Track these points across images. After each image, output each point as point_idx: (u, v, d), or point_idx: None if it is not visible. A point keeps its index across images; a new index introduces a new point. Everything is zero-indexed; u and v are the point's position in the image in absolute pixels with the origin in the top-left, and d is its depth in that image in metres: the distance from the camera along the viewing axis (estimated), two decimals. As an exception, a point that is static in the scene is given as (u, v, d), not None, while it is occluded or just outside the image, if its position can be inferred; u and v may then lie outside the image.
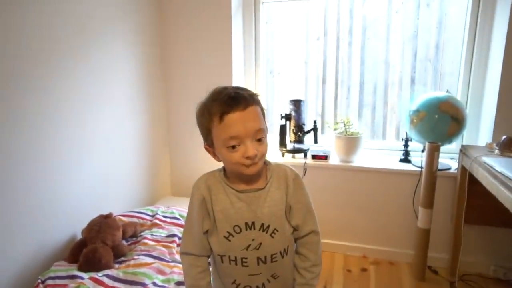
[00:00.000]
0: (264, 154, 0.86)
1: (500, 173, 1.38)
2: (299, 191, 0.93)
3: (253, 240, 0.90)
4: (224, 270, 0.95)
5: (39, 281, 1.35)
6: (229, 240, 0.90)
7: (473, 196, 1.86)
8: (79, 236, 1.64)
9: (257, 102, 0.86)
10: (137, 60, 2.11)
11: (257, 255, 0.90)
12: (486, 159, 1.56)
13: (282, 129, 2.30)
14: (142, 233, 1.74)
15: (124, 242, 1.66)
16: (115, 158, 1.95)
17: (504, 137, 1.71)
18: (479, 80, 2.08)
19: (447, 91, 2.04)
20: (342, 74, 2.41)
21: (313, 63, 2.44)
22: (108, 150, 1.89)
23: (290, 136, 2.32)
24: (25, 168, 1.41)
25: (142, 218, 1.84)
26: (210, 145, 0.90)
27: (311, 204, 0.96)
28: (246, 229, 0.89)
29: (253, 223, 0.89)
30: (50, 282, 1.33)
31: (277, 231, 0.90)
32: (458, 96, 2.15)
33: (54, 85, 1.53)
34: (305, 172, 2.20)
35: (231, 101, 0.82)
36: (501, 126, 1.89)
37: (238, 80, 2.37)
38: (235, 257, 0.91)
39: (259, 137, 0.84)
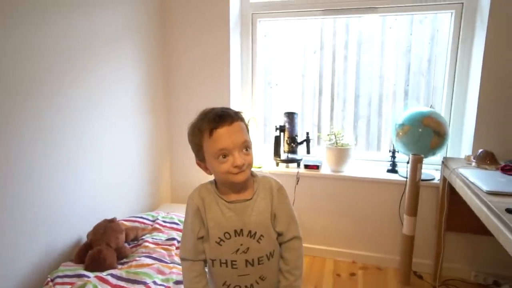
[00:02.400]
0: (250, 163, 0.97)
1: (472, 183, 1.52)
2: (283, 201, 1.04)
3: (241, 245, 1.00)
4: (216, 272, 1.04)
5: (49, 279, 1.47)
6: (220, 245, 1.00)
7: (454, 205, 1.99)
8: (85, 239, 1.76)
9: (242, 119, 0.99)
10: (140, 72, 2.25)
11: (245, 257, 1.00)
12: (462, 171, 1.69)
13: (277, 139, 2.44)
14: (143, 237, 1.86)
15: (126, 244, 1.78)
16: (119, 167, 2.08)
17: (480, 150, 1.85)
18: (461, 96, 2.21)
19: (431, 106, 2.18)
20: (338, 87, 2.53)
21: (310, 75, 2.57)
22: (113, 159, 2.02)
23: (284, 147, 2.46)
24: (34, 175, 1.53)
25: (144, 223, 1.97)
26: (201, 160, 1.02)
27: (293, 212, 1.07)
28: (235, 236, 0.99)
29: (241, 230, 0.99)
30: (58, 280, 1.45)
31: (263, 236, 1.00)
32: (442, 110, 2.29)
33: (63, 96, 1.66)
34: (297, 181, 2.32)
35: (219, 118, 0.94)
36: (480, 140, 2.03)
37: (236, 92, 2.51)
38: (226, 260, 1.01)
39: (245, 148, 0.95)
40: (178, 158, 2.63)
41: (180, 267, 1.58)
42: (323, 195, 2.35)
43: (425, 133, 2.00)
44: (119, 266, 1.60)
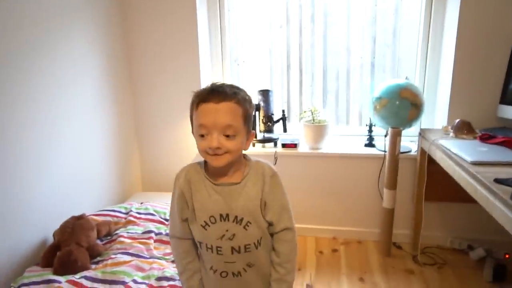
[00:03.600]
0: (231, 150, 0.88)
1: (455, 154, 1.51)
2: (275, 189, 0.96)
3: (227, 231, 0.94)
4: (204, 256, 1.01)
5: (13, 288, 1.32)
6: (206, 229, 0.95)
7: (432, 176, 2.01)
8: (51, 240, 1.60)
9: (239, 102, 0.88)
10: (101, 56, 2.04)
11: (231, 244, 0.95)
12: (443, 142, 1.69)
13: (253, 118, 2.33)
14: (117, 231, 1.72)
15: (99, 241, 1.64)
16: (83, 157, 1.90)
17: (457, 120, 1.86)
18: (434, 67, 2.21)
19: (406, 78, 2.16)
20: (305, 61, 2.46)
21: (277, 51, 2.48)
22: (76, 149, 1.84)
23: (259, 126, 2.37)
24: (-12, 173, 1.35)
25: (116, 216, 1.82)
26: (192, 132, 0.94)
27: (287, 202, 0.99)
28: (221, 220, 0.94)
29: (227, 215, 0.93)
30: (24, 288, 1.31)
31: (250, 223, 0.94)
32: (416, 82, 2.28)
33: (15, 85, 1.45)
34: (275, 161, 2.26)
35: (210, 93, 0.87)
36: (455, 110, 2.04)
37: (205, 70, 2.36)
38: (211, 246, 0.96)
39: (228, 133, 0.87)
40: (147, 144, 2.46)
41: (161, 261, 1.50)
42: (302, 174, 2.32)
43: (403, 106, 1.98)
44: (93, 266, 1.47)
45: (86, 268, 1.43)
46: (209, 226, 0.94)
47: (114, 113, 2.18)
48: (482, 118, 1.98)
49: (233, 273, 0.98)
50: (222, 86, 0.89)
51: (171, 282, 1.35)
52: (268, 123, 2.33)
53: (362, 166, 2.24)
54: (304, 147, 2.32)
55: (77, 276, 1.37)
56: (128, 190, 2.36)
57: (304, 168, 2.31)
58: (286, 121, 2.32)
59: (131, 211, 1.87)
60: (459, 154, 1.48)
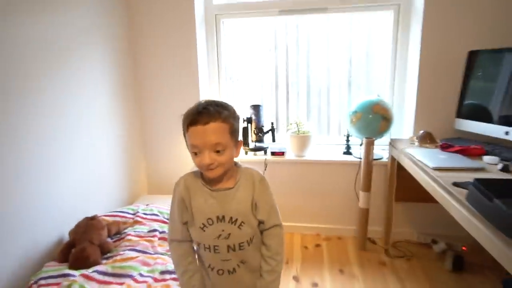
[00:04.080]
0: (222, 163, 0.90)
1: (420, 161, 1.56)
2: (264, 191, 0.99)
3: (223, 230, 0.95)
4: (202, 256, 1.02)
5: (32, 282, 1.31)
6: (204, 231, 0.96)
7: (401, 179, 2.06)
8: (67, 238, 1.59)
9: (224, 120, 0.89)
10: (111, 68, 2.05)
11: (227, 243, 0.96)
12: (409, 150, 1.74)
13: (245, 130, 2.36)
14: (125, 230, 1.72)
15: (109, 239, 1.64)
16: (95, 164, 1.90)
17: (421, 131, 1.91)
18: (402, 85, 2.27)
19: (378, 95, 2.22)
20: (291, 80, 2.50)
21: (267, 71, 2.52)
22: (89, 157, 1.84)
23: (251, 137, 2.39)
24: (13, 174, 1.35)
25: (125, 217, 1.82)
26: (187, 146, 0.95)
27: (274, 202, 1.02)
28: (217, 222, 0.95)
29: (223, 216, 0.95)
30: (42, 282, 1.29)
31: (244, 223, 0.96)
32: (386, 98, 2.33)
33: (37, 96, 1.46)
34: (265, 167, 2.28)
35: (197, 115, 0.87)
36: (420, 122, 2.10)
37: (204, 86, 2.39)
38: (209, 245, 0.97)
39: (218, 149, 0.88)
40: (152, 153, 2.47)
41: (164, 257, 1.50)
42: (289, 178, 2.34)
43: (375, 119, 2.03)
44: (104, 262, 1.46)
45: (97, 263, 1.43)
46: (206, 227, 0.96)
47: (122, 124, 2.19)
48: (442, 129, 2.03)
49: (228, 271, 0.99)
50: (207, 107, 0.88)
51: (173, 275, 1.35)
52: (259, 134, 2.36)
53: (341, 171, 2.28)
54: (290, 155, 2.35)
55: (90, 270, 1.36)
56: (135, 193, 2.36)
57: (291, 173, 2.33)
58: (275, 132, 2.35)
59: (138, 212, 1.87)
60: (423, 161, 1.53)
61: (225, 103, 0.94)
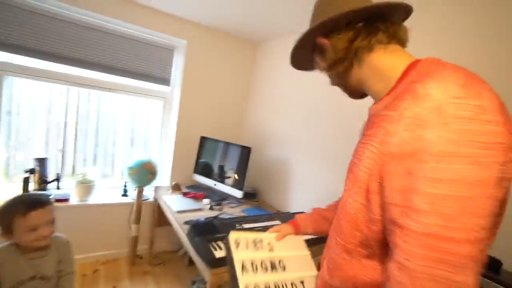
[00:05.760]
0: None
1: (168, 206, 2.32)
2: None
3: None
4: None
5: None
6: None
7: (161, 212, 2.75)
8: None
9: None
10: None
11: None
12: (164, 197, 2.46)
13: (26, 180, 2.32)
14: None
15: None
16: None
17: (173, 182, 2.72)
18: (165, 149, 3.01)
19: (149, 156, 2.87)
20: (79, 137, 2.61)
21: (55, 132, 2.51)
22: None
23: (34, 186, 2.38)
24: None
25: None
26: (7, 232, 1.12)
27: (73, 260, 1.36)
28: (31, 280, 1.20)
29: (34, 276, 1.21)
30: None
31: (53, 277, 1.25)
32: (155, 157, 2.99)
33: None
34: (49, 212, 2.35)
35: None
36: (174, 175, 2.89)
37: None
38: None
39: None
40: None
41: None
42: (74, 221, 2.44)
43: (145, 173, 2.63)
44: None
45: None
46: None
47: None
48: (187, 180, 2.93)
49: None
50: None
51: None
52: (42, 184, 2.39)
53: (118, 210, 2.63)
54: (75, 200, 2.50)
55: None
56: None
57: (75, 216, 2.45)
58: (60, 181, 2.46)
59: None
60: (170, 205, 2.30)
61: None
